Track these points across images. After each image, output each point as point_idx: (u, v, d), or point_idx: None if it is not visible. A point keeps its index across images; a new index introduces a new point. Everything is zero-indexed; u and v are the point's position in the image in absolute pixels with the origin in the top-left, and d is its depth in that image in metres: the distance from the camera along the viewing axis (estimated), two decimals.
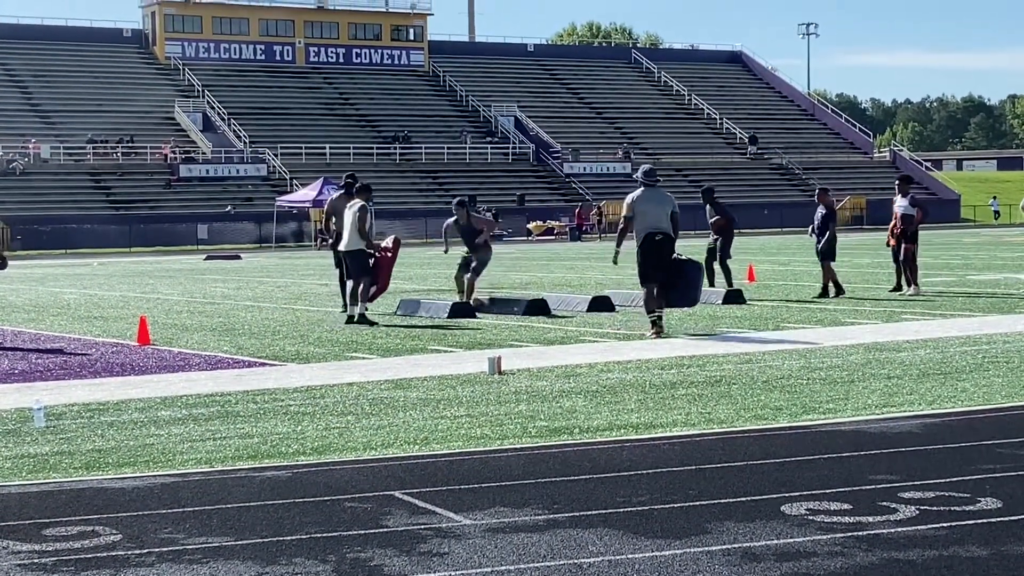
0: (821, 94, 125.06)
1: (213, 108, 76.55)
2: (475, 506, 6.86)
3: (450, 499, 7.05)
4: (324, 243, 48.04)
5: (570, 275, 30.34)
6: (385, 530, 6.40)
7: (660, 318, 15.48)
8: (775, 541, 6.05)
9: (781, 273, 28.85)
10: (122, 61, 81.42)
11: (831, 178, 78.30)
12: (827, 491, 7.03)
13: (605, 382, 11.54)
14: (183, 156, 71.28)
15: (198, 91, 78.05)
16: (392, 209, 65.20)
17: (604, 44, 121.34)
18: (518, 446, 8.61)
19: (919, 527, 6.24)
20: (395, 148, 77.15)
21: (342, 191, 19.03)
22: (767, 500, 6.85)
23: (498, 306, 19.22)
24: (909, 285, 21.01)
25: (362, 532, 6.37)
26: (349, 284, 18.14)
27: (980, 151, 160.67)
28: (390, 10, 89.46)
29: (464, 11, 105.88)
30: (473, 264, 19.57)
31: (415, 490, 7.29)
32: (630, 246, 15.95)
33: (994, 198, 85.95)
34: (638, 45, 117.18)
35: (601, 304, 19.07)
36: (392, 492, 7.25)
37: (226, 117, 75.99)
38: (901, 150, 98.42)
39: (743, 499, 6.90)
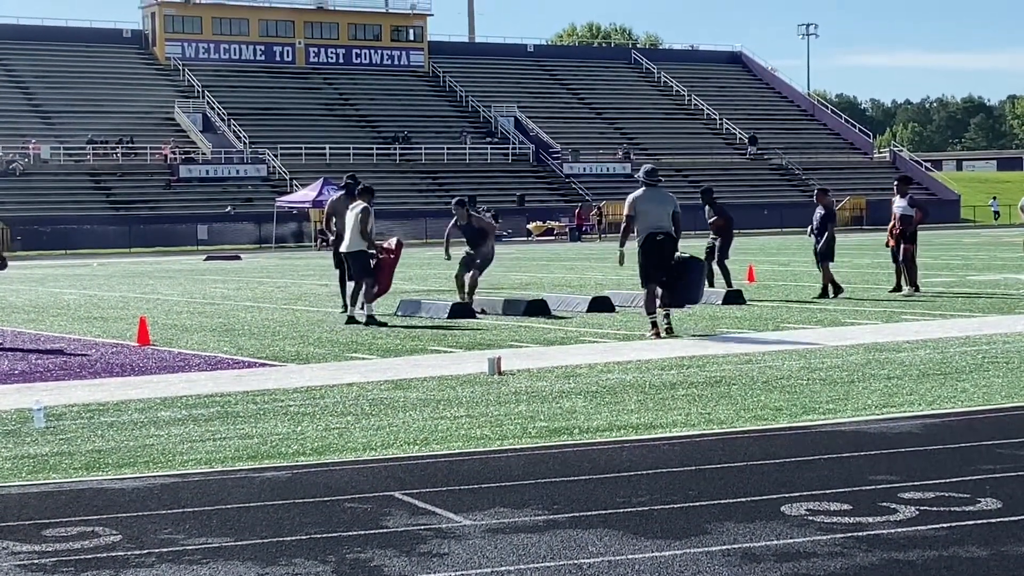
0: (821, 94, 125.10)
1: (213, 109, 76.56)
2: (475, 506, 6.86)
3: (450, 500, 7.04)
4: (324, 243, 48.10)
5: (570, 275, 30.34)
6: (385, 531, 6.40)
7: (665, 317, 15.48)
8: (775, 541, 6.04)
9: (781, 273, 28.85)
10: (122, 61, 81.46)
11: (831, 178, 78.29)
12: (827, 491, 7.03)
13: (605, 383, 11.53)
14: (183, 157, 71.28)
15: (198, 92, 78.07)
16: (392, 210, 65.21)
17: (604, 44, 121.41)
18: (518, 446, 8.60)
19: (919, 527, 6.23)
20: (395, 149, 77.17)
21: (342, 192, 19.05)
22: (767, 500, 6.85)
23: (491, 307, 19.18)
24: (908, 285, 21.05)
25: (362, 533, 6.37)
26: (349, 285, 18.15)
27: (980, 151, 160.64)
28: (390, 11, 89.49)
29: (464, 11, 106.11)
30: (477, 260, 19.56)
31: (415, 490, 7.28)
32: (633, 245, 15.95)
33: (994, 198, 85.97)
34: (638, 45, 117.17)
35: (601, 304, 19.08)
36: (392, 492, 7.25)
37: (226, 118, 76.00)
38: (901, 150, 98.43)
39: (743, 499, 6.89)
